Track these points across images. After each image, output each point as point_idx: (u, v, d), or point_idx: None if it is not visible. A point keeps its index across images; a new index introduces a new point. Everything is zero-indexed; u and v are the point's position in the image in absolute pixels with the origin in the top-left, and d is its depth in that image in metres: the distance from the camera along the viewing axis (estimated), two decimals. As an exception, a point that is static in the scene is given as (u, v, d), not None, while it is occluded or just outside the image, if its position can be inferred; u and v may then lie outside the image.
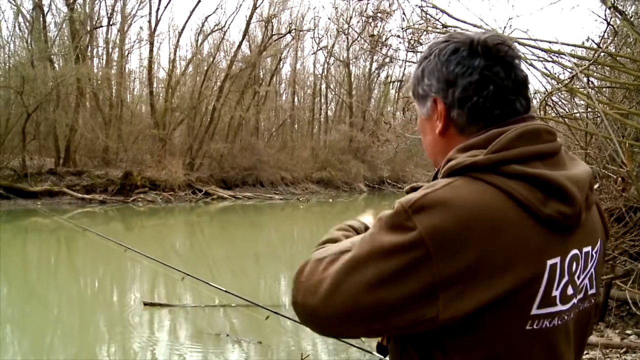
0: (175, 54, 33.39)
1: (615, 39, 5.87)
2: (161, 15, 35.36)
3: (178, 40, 33.43)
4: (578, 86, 5.00)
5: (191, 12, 43.70)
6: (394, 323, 0.98)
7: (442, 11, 5.66)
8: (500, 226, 0.95)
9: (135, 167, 27.66)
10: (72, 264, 13.31)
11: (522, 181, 0.99)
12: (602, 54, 4.86)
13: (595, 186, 6.64)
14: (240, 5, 45.44)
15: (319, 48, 40.53)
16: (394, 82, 42.57)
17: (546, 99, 5.76)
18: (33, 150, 27.25)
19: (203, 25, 33.98)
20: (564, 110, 6.67)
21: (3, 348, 6.73)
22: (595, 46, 5.14)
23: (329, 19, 33.23)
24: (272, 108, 40.65)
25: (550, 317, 1.01)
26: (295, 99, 43.12)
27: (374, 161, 35.17)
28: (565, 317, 1.04)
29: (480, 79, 1.07)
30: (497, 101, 1.08)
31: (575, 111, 6.25)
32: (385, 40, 7.04)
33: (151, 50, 32.50)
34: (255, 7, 33.38)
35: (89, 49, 31.16)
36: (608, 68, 5.76)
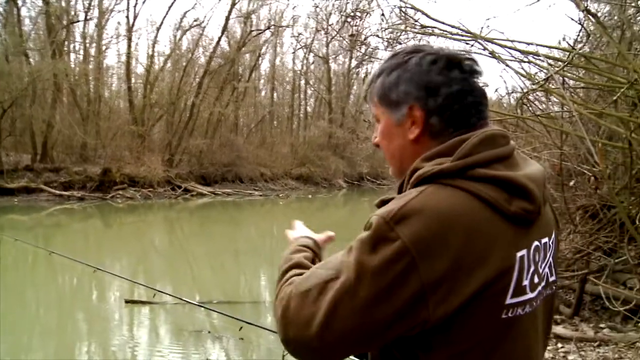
0: (153, 50, 33.04)
1: (589, 40, 6.01)
2: (139, 10, 35.13)
3: (156, 36, 33.07)
4: (553, 86, 5.12)
5: (169, 8, 43.24)
6: (391, 334, 1.04)
7: (421, 12, 5.75)
8: (473, 226, 1.03)
9: (114, 163, 27.36)
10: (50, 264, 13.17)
11: (488, 183, 1.07)
12: (576, 55, 4.99)
13: (571, 183, 6.78)
14: (219, 0, 45.02)
15: (299, 47, 40.50)
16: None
17: (522, 98, 5.89)
18: (9, 147, 26.87)
19: (182, 20, 33.69)
20: (540, 109, 6.82)
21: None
22: (570, 47, 5.25)
23: (308, 16, 33.17)
24: (251, 104, 40.41)
25: (522, 305, 1.09)
26: (275, 95, 43.06)
27: (353, 158, 35.27)
28: (534, 303, 1.13)
29: (460, 89, 1.15)
30: (472, 110, 1.16)
31: (550, 110, 6.39)
32: (364, 40, 7.09)
33: (129, 46, 32.14)
34: (234, 3, 33.19)
35: (66, 43, 30.74)
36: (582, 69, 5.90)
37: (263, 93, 43.23)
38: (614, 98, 5.03)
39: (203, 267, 12.20)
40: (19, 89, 25.50)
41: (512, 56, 5.18)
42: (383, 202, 1.12)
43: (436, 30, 5.60)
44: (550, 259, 1.21)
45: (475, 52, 5.59)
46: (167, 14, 37.94)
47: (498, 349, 1.09)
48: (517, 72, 5.47)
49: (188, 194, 28.62)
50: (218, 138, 33.99)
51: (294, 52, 41.67)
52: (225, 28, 33.75)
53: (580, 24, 5.34)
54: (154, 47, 33.00)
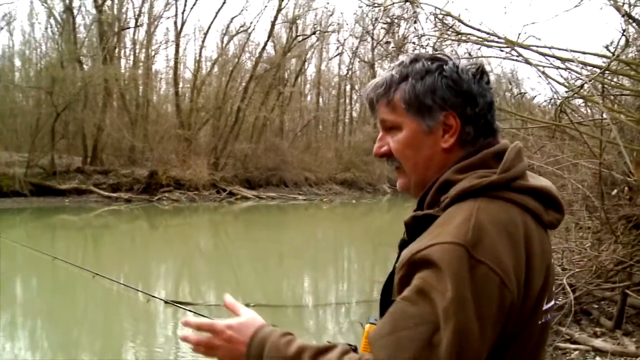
0: (200, 55, 33.66)
1: (629, 45, 5.75)
2: (187, 16, 35.61)
3: (203, 41, 33.62)
4: (591, 94, 4.94)
5: (216, 13, 44.00)
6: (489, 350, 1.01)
7: (457, 19, 5.65)
8: (528, 234, 1.06)
9: (161, 166, 27.87)
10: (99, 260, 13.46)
11: (528, 195, 1.10)
12: (614, 61, 4.79)
13: (613, 192, 6.46)
14: (265, 6, 45.46)
15: (343, 51, 40.46)
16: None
17: (561, 105, 5.64)
18: (62, 149, 27.75)
19: (228, 26, 34.25)
20: (579, 117, 6.55)
21: (32, 344, 6.86)
22: (611, 54, 5.04)
23: (355, 21, 33.08)
24: (296, 109, 40.68)
25: (549, 312, 1.14)
26: (320, 99, 43.18)
27: (398, 163, 34.95)
28: (549, 314, 1.15)
29: (490, 99, 1.18)
30: (494, 119, 1.20)
31: (589, 119, 6.15)
32: (401, 47, 7.02)
33: (177, 51, 32.84)
34: (280, 8, 33.50)
35: (117, 49, 31.59)
36: (622, 76, 5.67)
37: (309, 98, 43.46)
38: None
39: (247, 270, 12.25)
40: (72, 93, 26.33)
41: (550, 63, 5.03)
42: (414, 219, 1.13)
43: (472, 37, 5.52)
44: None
45: (510, 59, 5.47)
46: (214, 19, 38.54)
47: (537, 356, 1.13)
48: (554, 80, 5.28)
49: (233, 198, 28.93)
50: (263, 142, 34.24)
51: (339, 56, 41.51)
52: (271, 33, 34.05)
53: (621, 29, 5.13)
54: (201, 52, 33.63)
